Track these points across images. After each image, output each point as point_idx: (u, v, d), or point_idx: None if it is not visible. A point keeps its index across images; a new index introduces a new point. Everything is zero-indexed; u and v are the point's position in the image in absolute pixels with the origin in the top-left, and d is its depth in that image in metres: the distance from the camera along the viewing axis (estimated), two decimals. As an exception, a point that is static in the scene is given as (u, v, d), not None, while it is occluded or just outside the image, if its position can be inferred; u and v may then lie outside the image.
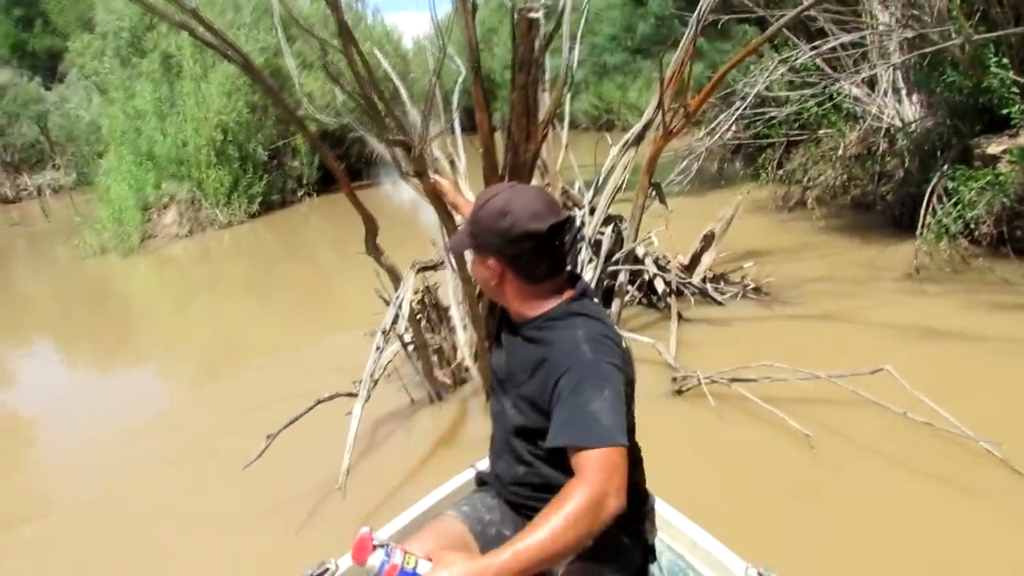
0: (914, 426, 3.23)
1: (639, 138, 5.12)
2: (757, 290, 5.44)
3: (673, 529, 1.87)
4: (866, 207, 8.05)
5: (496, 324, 1.75)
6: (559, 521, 1.20)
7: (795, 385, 3.67)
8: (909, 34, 5.60)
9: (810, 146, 8.79)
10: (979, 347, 4.24)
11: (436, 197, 2.95)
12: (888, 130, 7.39)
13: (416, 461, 3.58)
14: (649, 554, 1.64)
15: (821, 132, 8.44)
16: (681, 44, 4.49)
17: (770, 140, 8.89)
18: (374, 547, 1.23)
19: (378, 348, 3.43)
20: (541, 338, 1.48)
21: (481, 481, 1.86)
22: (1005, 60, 5.52)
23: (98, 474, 3.98)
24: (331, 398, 3.43)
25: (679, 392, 3.96)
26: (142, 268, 10.61)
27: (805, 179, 8.42)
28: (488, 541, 1.59)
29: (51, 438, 4.75)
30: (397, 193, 15.57)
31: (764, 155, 9.42)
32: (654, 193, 4.89)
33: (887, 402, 3.32)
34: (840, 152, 8.04)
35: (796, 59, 6.06)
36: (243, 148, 13.40)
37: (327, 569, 1.74)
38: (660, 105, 4.42)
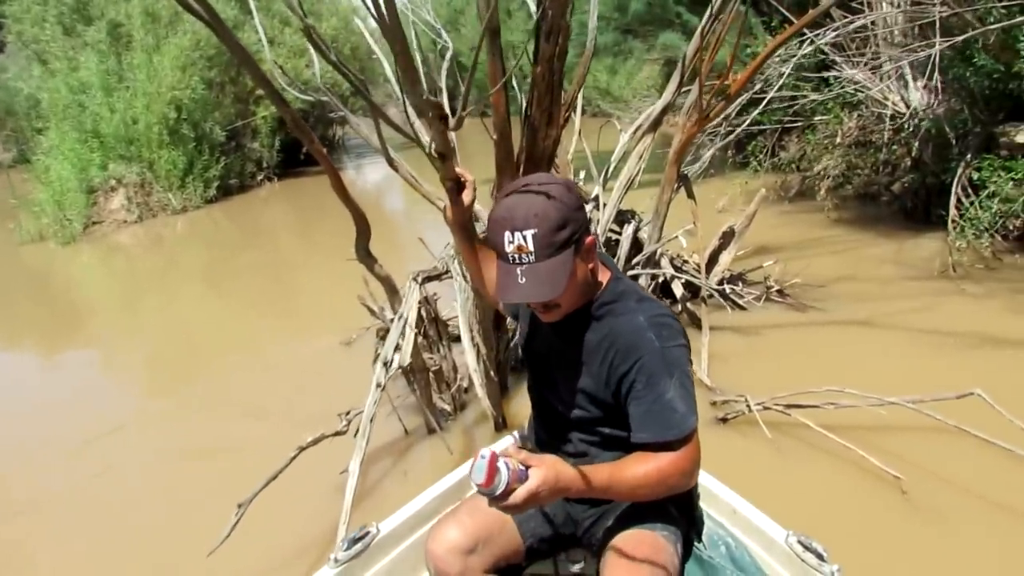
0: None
1: (655, 123, 4.54)
2: (781, 292, 4.92)
3: (712, 497, 1.84)
4: (871, 198, 7.62)
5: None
6: (652, 472, 1.30)
7: (863, 412, 3.10)
8: (945, 13, 5.09)
9: (806, 133, 8.31)
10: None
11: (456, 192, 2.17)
12: (893, 117, 6.92)
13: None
14: (692, 527, 1.63)
15: (816, 119, 7.95)
16: (706, 13, 3.90)
17: (762, 127, 8.38)
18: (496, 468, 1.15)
19: (379, 385, 2.77)
20: (600, 326, 1.43)
21: None
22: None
23: (32, 521, 3.27)
24: (315, 442, 2.73)
25: (723, 420, 3.40)
26: (85, 257, 9.70)
27: (815, 169, 7.86)
28: (526, 518, 1.60)
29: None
30: (360, 179, 14.76)
31: (754, 143, 8.91)
32: (678, 186, 4.30)
33: (985, 433, 2.79)
34: (839, 140, 7.57)
35: (822, 40, 5.55)
36: (198, 128, 12.34)
37: (368, 532, 1.75)
38: (685, 84, 3.85)
